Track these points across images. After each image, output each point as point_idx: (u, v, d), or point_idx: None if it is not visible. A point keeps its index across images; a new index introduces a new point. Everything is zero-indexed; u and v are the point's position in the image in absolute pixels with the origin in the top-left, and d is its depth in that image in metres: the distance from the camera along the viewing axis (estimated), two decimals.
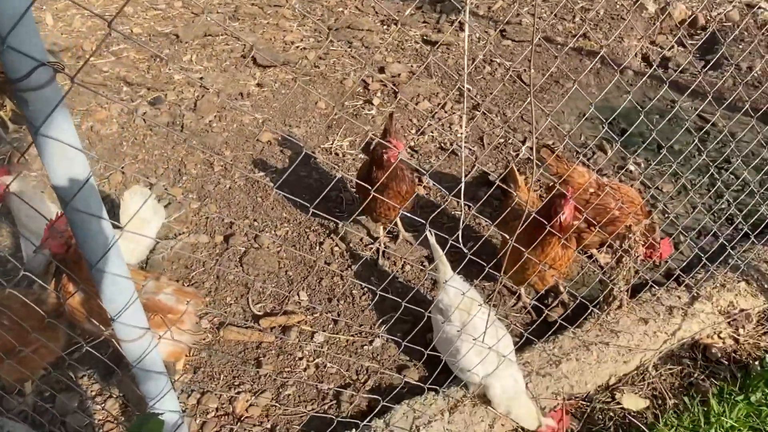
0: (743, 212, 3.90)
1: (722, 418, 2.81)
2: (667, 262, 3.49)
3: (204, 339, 3.33)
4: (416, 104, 5.24)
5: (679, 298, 3.42)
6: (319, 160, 4.68)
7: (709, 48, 6.02)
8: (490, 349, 2.67)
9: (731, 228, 3.99)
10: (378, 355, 3.26)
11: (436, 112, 5.15)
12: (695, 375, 3.12)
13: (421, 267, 3.76)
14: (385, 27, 6.47)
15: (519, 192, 3.44)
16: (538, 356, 3.09)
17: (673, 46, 6.12)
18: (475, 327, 2.78)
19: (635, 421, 2.81)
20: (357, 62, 5.82)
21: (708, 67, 5.68)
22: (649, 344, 3.18)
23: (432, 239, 3.11)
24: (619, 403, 2.98)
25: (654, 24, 6.42)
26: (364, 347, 3.29)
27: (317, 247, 3.90)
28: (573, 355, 3.09)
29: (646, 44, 6.23)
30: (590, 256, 3.84)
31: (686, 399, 2.96)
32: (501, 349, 2.74)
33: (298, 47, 6.06)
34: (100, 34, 6.12)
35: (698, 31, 6.38)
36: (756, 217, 4.00)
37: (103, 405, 2.99)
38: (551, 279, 3.15)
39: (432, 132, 4.94)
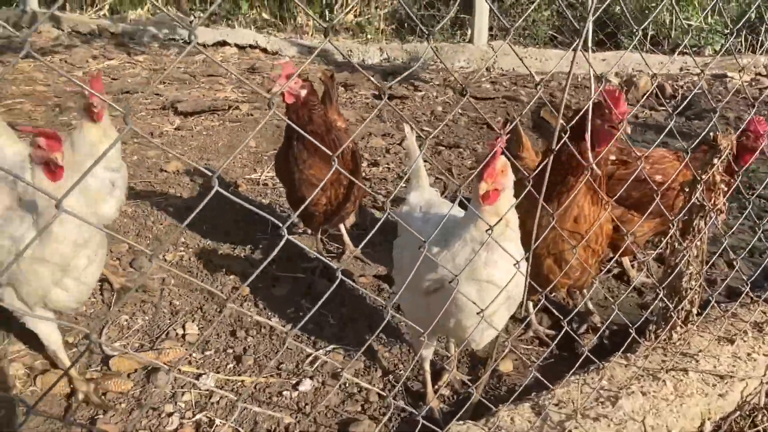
0: None
1: None
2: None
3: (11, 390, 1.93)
4: (368, 143, 4.32)
5: (765, 313, 2.29)
6: (242, 190, 3.57)
7: (684, 110, 5.50)
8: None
9: None
10: (307, 403, 1.91)
11: (390, 148, 4.22)
12: None
13: (378, 290, 2.54)
14: None
15: (525, 153, 2.42)
16: (577, 392, 1.83)
17: (645, 111, 5.60)
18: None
19: None
20: None
21: (692, 120, 5.13)
22: (747, 370, 1.98)
23: (411, 136, 2.15)
24: None
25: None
26: (284, 393, 1.94)
27: (222, 270, 2.65)
28: (635, 387, 1.84)
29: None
30: (618, 276, 2.72)
31: None
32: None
33: (228, 99, 5.21)
34: None
35: (667, 100, 5.94)
36: None
37: None
38: (575, 262, 1.93)
39: (388, 164, 3.96)
